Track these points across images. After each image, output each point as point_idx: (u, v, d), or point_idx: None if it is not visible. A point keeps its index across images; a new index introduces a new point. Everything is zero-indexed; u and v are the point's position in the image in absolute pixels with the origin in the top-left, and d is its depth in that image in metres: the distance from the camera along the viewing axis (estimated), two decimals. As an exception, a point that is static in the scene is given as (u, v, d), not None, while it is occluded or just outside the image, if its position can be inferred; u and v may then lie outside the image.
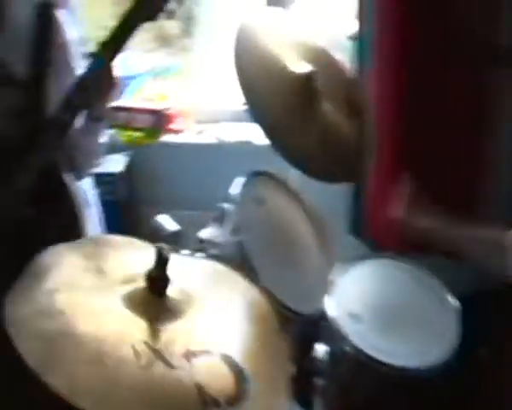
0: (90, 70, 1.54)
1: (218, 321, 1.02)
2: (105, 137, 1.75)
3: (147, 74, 2.91)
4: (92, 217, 1.90)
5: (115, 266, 1.07)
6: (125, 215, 2.59)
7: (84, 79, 1.53)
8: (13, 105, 1.64)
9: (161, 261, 0.97)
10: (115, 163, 2.60)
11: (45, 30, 1.64)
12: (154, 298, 0.98)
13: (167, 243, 1.46)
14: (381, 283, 1.77)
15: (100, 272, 1.05)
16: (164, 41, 3.11)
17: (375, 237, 2.18)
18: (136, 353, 0.89)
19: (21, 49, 1.62)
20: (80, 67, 1.69)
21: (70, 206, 1.79)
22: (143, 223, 2.65)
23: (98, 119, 1.63)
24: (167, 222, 1.76)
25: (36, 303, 0.96)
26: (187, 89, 2.87)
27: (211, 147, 2.56)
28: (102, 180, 2.47)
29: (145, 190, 2.68)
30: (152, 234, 1.72)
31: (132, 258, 1.11)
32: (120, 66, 2.83)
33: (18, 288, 0.99)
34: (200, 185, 2.52)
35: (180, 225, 2.37)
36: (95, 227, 1.91)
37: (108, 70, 1.53)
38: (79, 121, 1.63)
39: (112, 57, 1.50)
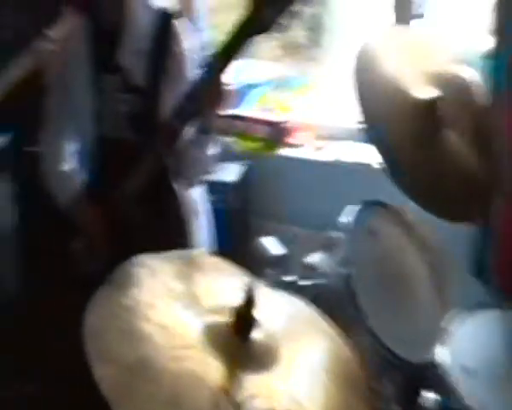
0: (202, 79, 1.53)
1: (302, 378, 0.93)
2: (216, 146, 1.72)
3: (269, 84, 2.87)
4: (200, 226, 1.89)
5: (204, 291, 1.02)
6: (235, 225, 2.56)
7: (195, 87, 1.53)
8: (130, 111, 1.69)
9: (249, 302, 0.89)
10: (230, 172, 2.57)
11: (163, 39, 1.67)
12: (237, 340, 0.91)
13: (271, 266, 1.39)
14: (503, 337, 1.58)
15: (187, 295, 0.99)
16: (290, 50, 3.06)
17: (502, 282, 1.97)
18: (214, 402, 0.81)
19: (140, 57, 1.66)
20: (194, 75, 1.68)
21: (177, 213, 1.80)
22: (253, 235, 2.62)
23: (208, 128, 1.62)
24: (273, 245, 1.69)
25: (117, 320, 0.92)
26: (309, 102, 2.78)
27: (328, 165, 2.45)
28: (215, 188, 2.47)
29: (258, 201, 2.63)
30: (257, 256, 1.67)
31: (224, 285, 1.05)
32: (242, 73, 2.84)
33: (102, 296, 0.95)
34: (314, 204, 2.43)
35: (288, 241, 2.31)
36: (202, 236, 1.90)
37: (219, 79, 1.50)
38: (190, 130, 1.63)
39: (223, 67, 1.48)
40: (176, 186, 1.77)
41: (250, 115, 2.66)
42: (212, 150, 1.71)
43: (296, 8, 1.37)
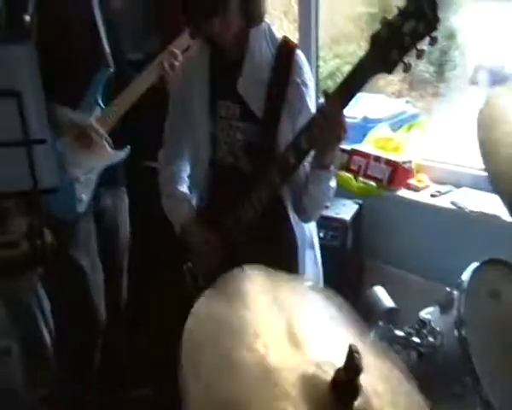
0: (321, 112, 1.51)
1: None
2: (333, 182, 1.70)
3: (389, 120, 2.81)
4: (311, 260, 1.88)
5: (308, 332, 0.96)
6: (347, 263, 2.51)
7: (314, 120, 1.51)
8: (249, 140, 1.71)
9: (355, 369, 0.84)
10: (344, 209, 2.54)
11: (284, 69, 1.66)
12: (337, 404, 0.85)
13: (381, 318, 1.34)
14: None
15: (292, 333, 0.94)
16: (414, 86, 3.00)
17: None
18: None
19: (260, 86, 1.67)
20: (313, 108, 1.68)
21: (290, 244, 1.80)
22: (364, 274, 2.57)
23: (326, 163, 1.59)
24: (383, 296, 1.64)
25: (217, 339, 0.89)
26: (430, 142, 2.69)
27: (446, 212, 2.33)
28: (329, 224, 2.46)
29: (370, 242, 2.58)
30: (367, 304, 1.62)
31: (330, 330, 1.00)
32: (362, 108, 2.81)
33: (205, 305, 0.94)
34: (430, 251, 2.34)
35: (400, 285, 2.24)
36: (312, 271, 1.88)
37: (339, 114, 1.47)
38: (307, 164, 1.63)
39: (343, 102, 1.45)
40: (291, 218, 1.77)
41: (367, 152, 2.61)
42: (328, 186, 1.69)
43: (421, 47, 1.32)
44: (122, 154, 2.43)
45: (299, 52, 1.70)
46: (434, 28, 1.28)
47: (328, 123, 1.47)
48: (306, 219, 1.80)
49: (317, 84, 1.76)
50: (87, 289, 2.44)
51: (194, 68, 1.80)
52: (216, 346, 0.90)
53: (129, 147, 2.44)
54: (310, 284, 1.13)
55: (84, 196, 2.35)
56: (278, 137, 1.67)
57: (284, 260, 1.63)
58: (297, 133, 1.55)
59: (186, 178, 1.94)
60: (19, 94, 1.52)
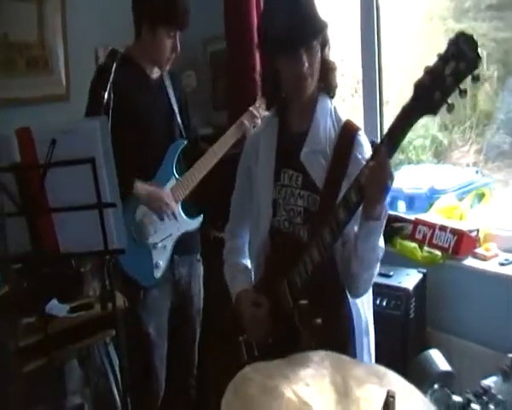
0: (368, 162, 1.51)
1: None
2: (382, 242, 1.67)
3: (455, 190, 2.79)
4: (366, 347, 1.83)
5: None
6: (410, 332, 2.46)
7: (361, 172, 1.51)
8: (308, 208, 1.75)
9: None
10: (408, 278, 2.52)
11: (346, 147, 1.71)
12: None
13: (437, 381, 1.32)
14: None
15: None
16: (491, 157, 2.95)
17: None
18: None
19: (322, 158, 1.73)
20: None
21: (345, 327, 1.78)
22: (426, 343, 2.51)
23: (374, 215, 1.56)
24: (439, 359, 1.60)
25: None
26: (498, 211, 2.65)
27: (512, 281, 2.28)
28: (392, 293, 2.43)
29: (433, 311, 2.54)
30: (425, 368, 1.59)
31: None
32: (428, 180, 2.80)
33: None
34: (494, 321, 2.29)
35: (463, 354, 2.17)
36: (365, 360, 1.82)
37: (385, 162, 1.46)
38: (356, 222, 1.61)
39: (390, 150, 1.45)
40: (349, 301, 1.76)
41: (432, 221, 2.60)
42: (376, 242, 1.64)
43: (463, 86, 1.32)
44: (196, 223, 2.56)
45: (361, 133, 1.75)
46: (475, 67, 1.28)
47: (376, 171, 1.46)
48: (357, 291, 1.75)
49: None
50: (150, 356, 2.50)
51: (263, 140, 1.88)
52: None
53: (202, 216, 2.56)
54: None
55: (161, 262, 2.46)
56: (335, 205, 1.65)
57: (339, 344, 1.56)
58: (348, 188, 1.56)
59: (246, 248, 2.00)
60: (93, 160, 1.65)
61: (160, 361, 2.54)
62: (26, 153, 1.74)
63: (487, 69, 2.75)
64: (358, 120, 2.91)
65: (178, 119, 2.53)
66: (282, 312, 1.73)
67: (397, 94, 3.09)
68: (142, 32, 2.37)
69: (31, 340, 2.16)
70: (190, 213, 2.54)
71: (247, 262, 1.98)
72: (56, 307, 2.39)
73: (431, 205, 2.75)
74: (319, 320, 1.53)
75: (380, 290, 2.38)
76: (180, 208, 2.51)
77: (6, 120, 2.81)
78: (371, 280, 1.73)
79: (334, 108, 1.80)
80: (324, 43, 1.72)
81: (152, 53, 2.40)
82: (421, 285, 2.51)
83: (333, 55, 1.78)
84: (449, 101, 1.33)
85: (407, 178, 2.92)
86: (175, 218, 2.46)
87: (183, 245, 2.52)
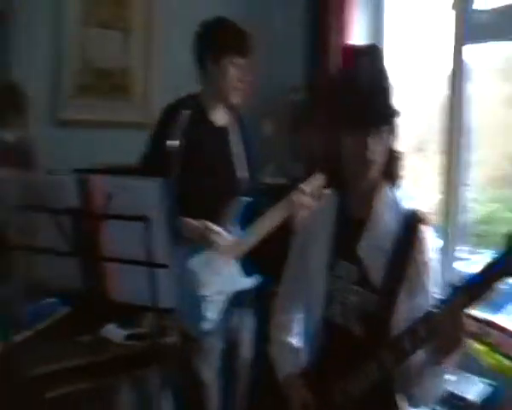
0: (442, 304, 1.44)
1: None
2: (446, 375, 1.57)
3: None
4: None
5: None
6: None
7: (433, 312, 1.45)
8: (364, 307, 1.64)
9: None
10: (472, 388, 2.32)
11: (407, 242, 1.61)
12: None
13: None
14: None
15: None
16: None
17: None
18: None
19: (381, 254, 1.62)
20: (430, 288, 1.61)
21: None
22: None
23: (441, 361, 1.48)
24: None
25: None
26: None
27: None
28: (454, 403, 2.22)
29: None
30: None
31: None
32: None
33: None
34: None
35: None
36: None
37: (459, 313, 1.40)
38: (422, 354, 1.52)
39: (468, 302, 1.39)
40: (400, 403, 1.64)
41: (506, 326, 2.37)
42: (442, 380, 1.57)
43: None
44: (251, 281, 2.48)
45: (425, 228, 1.64)
46: None
47: (449, 319, 1.41)
48: (416, 406, 1.67)
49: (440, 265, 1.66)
50: (204, 404, 2.45)
51: (321, 221, 1.80)
52: None
53: (258, 275, 2.49)
54: None
55: (211, 315, 2.38)
56: (395, 312, 1.59)
57: None
58: (416, 319, 1.49)
59: (297, 331, 1.88)
60: (147, 219, 1.64)
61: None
62: (85, 200, 1.76)
63: None
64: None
65: (239, 171, 2.48)
66: None
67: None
68: (208, 67, 2.40)
69: (82, 361, 2.15)
70: (247, 272, 2.46)
71: (295, 341, 1.87)
72: (112, 332, 2.39)
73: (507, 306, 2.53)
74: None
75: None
76: (237, 266, 2.44)
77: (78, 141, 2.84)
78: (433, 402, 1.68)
79: (399, 197, 1.70)
80: (392, 132, 1.66)
81: (217, 84, 2.40)
82: (488, 398, 2.29)
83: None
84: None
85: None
86: (231, 275, 2.39)
87: (237, 299, 2.45)
